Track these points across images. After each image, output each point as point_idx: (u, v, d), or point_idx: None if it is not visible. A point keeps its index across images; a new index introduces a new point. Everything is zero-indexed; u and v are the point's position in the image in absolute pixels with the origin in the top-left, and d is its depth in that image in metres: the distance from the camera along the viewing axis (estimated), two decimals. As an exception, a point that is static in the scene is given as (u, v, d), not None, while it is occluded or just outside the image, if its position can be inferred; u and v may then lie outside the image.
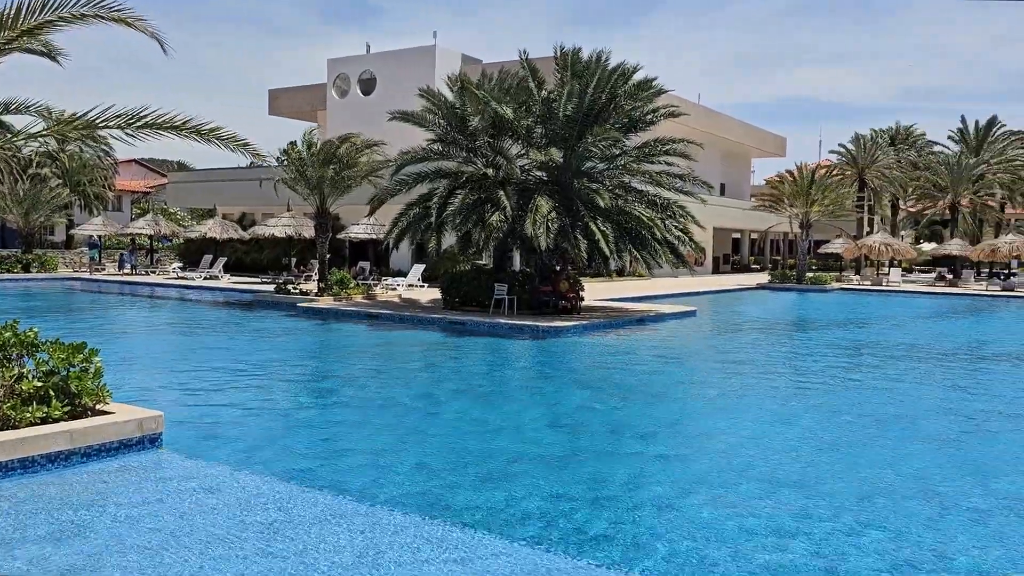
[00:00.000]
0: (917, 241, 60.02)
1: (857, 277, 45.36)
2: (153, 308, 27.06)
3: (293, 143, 59.43)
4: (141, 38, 8.94)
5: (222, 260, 36.77)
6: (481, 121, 21.74)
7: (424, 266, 30.99)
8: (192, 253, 40.78)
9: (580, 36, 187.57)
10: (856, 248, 43.25)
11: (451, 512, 6.66)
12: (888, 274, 43.39)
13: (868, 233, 48.90)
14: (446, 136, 22.70)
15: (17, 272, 37.21)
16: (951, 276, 43.64)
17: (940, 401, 12.82)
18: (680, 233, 22.17)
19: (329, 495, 6.91)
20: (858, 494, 7.44)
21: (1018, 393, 13.78)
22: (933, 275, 47.09)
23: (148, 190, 65.95)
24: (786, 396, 12.96)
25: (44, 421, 7.41)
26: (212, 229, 37.00)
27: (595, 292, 27.15)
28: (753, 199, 51.99)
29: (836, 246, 44.99)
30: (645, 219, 21.18)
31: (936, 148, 56.27)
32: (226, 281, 33.75)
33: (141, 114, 8.91)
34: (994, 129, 53.49)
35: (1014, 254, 40.35)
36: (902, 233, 55.84)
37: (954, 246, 43.67)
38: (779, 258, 61.41)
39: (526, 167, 22.15)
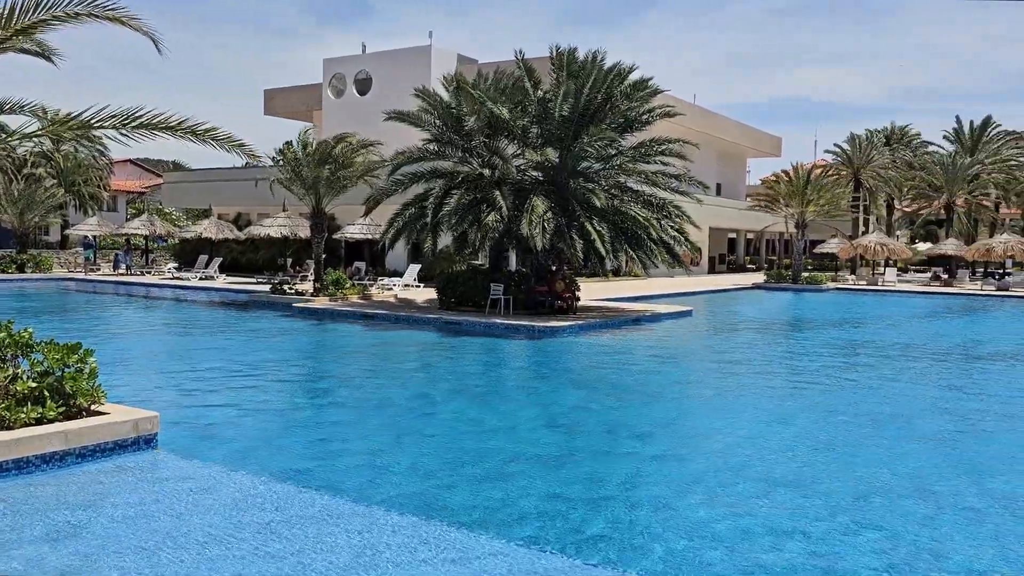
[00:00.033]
0: (912, 241, 60.21)
1: (853, 277, 45.42)
2: (148, 308, 26.99)
3: (289, 143, 59.22)
4: (145, 39, 8.93)
5: (218, 260, 36.67)
6: (477, 121, 21.73)
7: (420, 266, 30.92)
8: (187, 253, 40.67)
9: (576, 36, 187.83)
10: (852, 248, 43.32)
11: (448, 512, 6.66)
12: (883, 274, 43.46)
13: (864, 233, 48.96)
14: (442, 136, 22.69)
15: (12, 272, 37.08)
16: (946, 276, 43.73)
17: (935, 401, 12.84)
18: (676, 233, 22.18)
19: (325, 495, 6.90)
20: (854, 493, 7.46)
21: (1013, 393, 13.81)
22: (928, 275, 47.16)
23: (143, 190, 65.83)
24: (782, 396, 12.98)
25: (39, 422, 7.39)
26: (207, 229, 36.94)
27: (591, 292, 27.15)
28: (749, 199, 52.03)
29: (832, 246, 45.05)
30: (641, 219, 21.19)
31: (931, 148, 56.49)
32: (222, 281, 33.66)
33: (136, 114, 8.86)
34: (989, 129, 53.66)
35: (1009, 254, 40.48)
36: (897, 233, 56.01)
37: (949, 246, 43.77)
38: (775, 258, 61.45)
39: (522, 167, 22.13)
